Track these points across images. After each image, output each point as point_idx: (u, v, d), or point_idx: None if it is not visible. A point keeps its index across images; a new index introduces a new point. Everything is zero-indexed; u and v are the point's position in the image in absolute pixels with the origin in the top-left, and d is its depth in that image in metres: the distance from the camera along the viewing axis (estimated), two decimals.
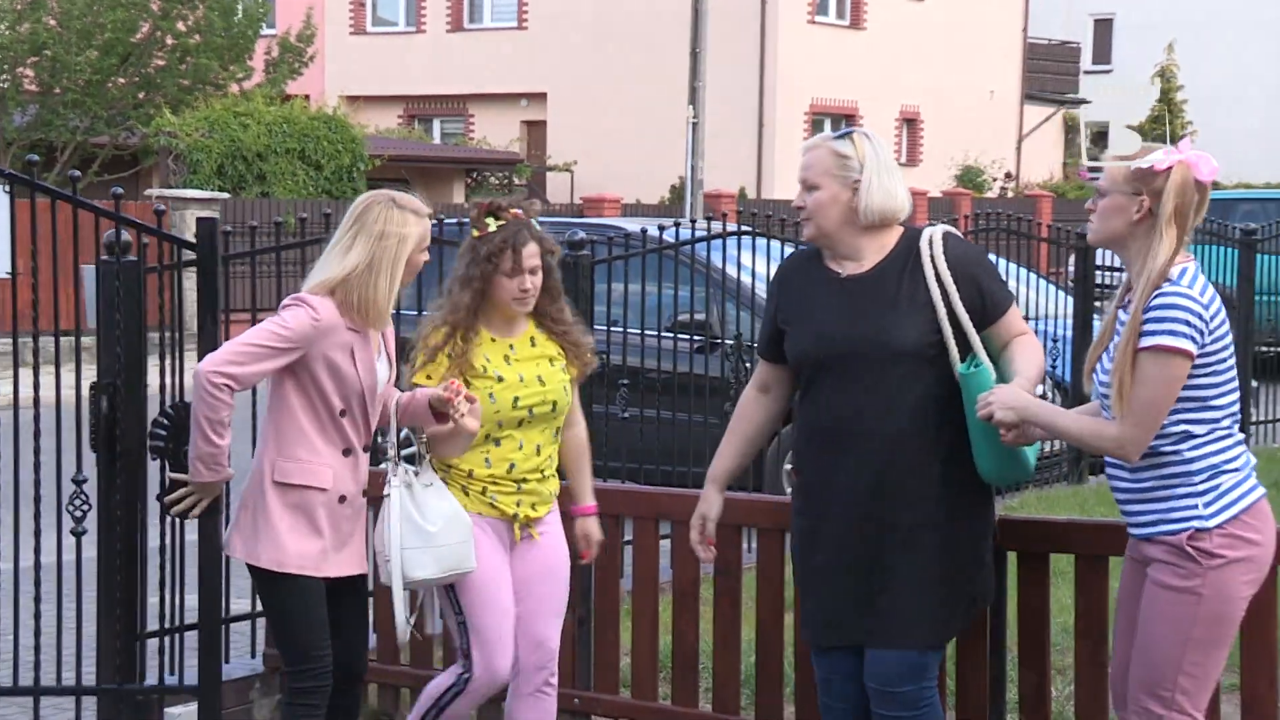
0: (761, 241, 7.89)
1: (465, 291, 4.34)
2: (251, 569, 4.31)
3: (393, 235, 4.19)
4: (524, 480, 4.39)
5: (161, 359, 5.21)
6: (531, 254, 4.31)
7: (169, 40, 25.09)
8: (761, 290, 8.63)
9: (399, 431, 4.45)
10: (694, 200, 21.43)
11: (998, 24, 34.74)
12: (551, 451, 4.48)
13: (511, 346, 4.42)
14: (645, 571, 5.05)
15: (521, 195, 4.90)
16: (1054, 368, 9.57)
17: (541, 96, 32.12)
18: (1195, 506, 3.59)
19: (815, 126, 31.32)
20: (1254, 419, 11.40)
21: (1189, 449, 3.60)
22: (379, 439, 4.47)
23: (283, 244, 6.00)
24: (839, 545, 3.92)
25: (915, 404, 3.85)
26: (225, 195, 20.89)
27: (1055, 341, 9.54)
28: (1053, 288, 10.62)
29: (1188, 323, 3.51)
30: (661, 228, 7.47)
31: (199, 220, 5.00)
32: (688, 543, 4.39)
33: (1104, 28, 43.61)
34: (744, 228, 7.90)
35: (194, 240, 4.99)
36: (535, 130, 32.53)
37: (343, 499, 4.27)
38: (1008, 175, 34.68)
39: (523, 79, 32.02)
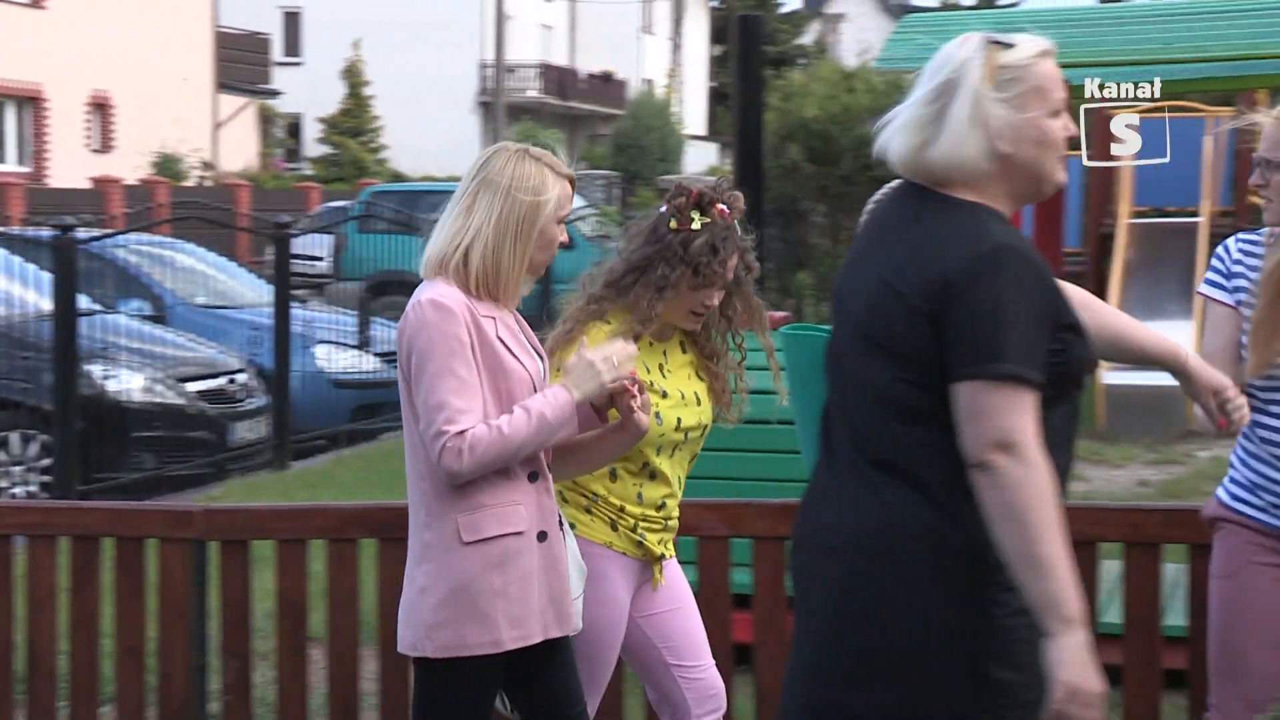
0: None
1: (647, 293, 3.54)
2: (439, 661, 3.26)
3: (525, 191, 3.29)
4: (670, 517, 3.68)
5: None
6: (732, 268, 3.57)
7: None
8: None
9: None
10: None
11: (187, 11, 34.42)
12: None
13: (665, 354, 3.67)
14: None
15: (726, 186, 3.69)
16: (256, 355, 9.67)
17: None
18: None
19: None
20: None
21: None
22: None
23: None
24: None
25: None
26: None
27: (256, 330, 9.64)
28: (253, 277, 10.71)
29: None
30: None
31: None
32: None
33: (294, 20, 44.36)
34: None
35: None
36: None
37: (543, 536, 3.31)
38: (206, 164, 34.44)
39: None
